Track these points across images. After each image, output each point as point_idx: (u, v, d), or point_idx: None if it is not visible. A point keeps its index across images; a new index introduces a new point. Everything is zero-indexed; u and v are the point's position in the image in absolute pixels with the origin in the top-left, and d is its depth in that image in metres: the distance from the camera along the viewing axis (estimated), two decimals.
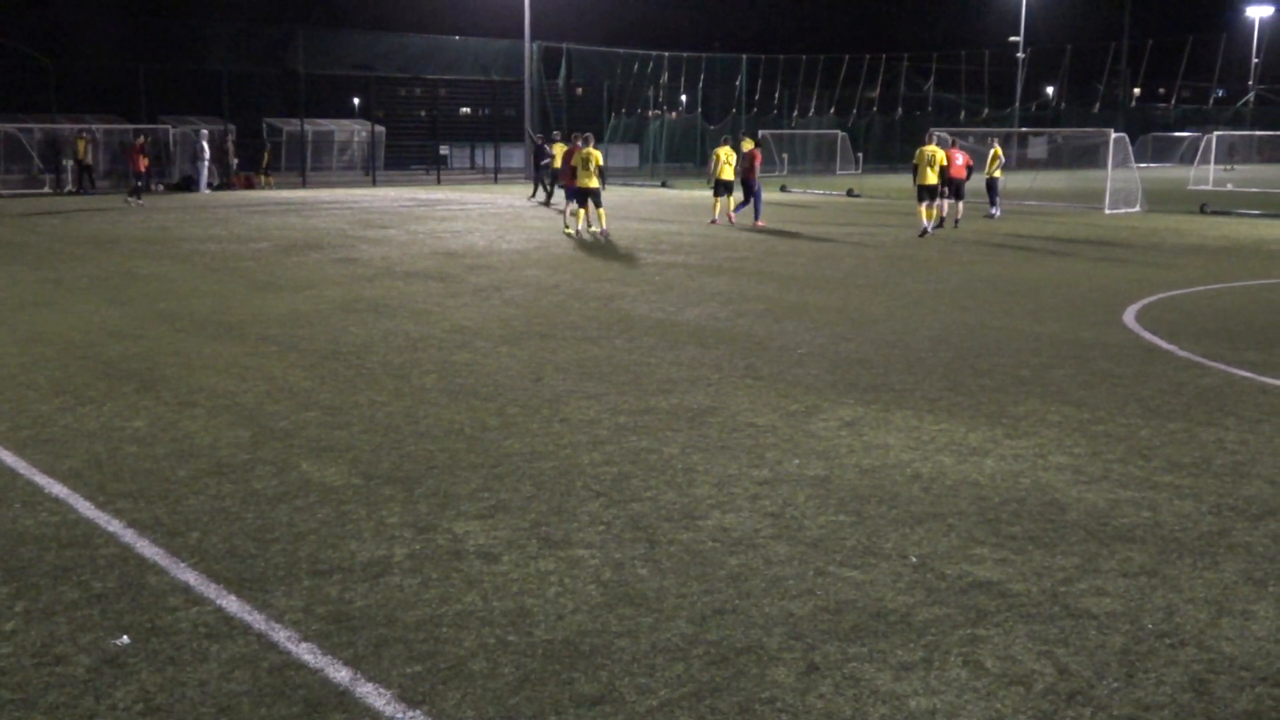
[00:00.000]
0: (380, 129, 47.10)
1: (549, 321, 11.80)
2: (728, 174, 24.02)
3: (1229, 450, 7.06)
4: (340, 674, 4.11)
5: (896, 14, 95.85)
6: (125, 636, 4.40)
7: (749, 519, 5.77)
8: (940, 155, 21.96)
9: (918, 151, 22.21)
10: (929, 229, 21.92)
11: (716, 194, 24.37)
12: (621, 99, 51.27)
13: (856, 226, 24.13)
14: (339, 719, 3.83)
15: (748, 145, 24.48)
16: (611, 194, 36.55)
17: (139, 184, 30.92)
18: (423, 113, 53.34)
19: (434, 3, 72.02)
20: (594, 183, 20.57)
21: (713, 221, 24.17)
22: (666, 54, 53.87)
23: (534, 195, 32.55)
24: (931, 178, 21.81)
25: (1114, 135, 31.03)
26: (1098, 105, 64.51)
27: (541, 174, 31.86)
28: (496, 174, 46.55)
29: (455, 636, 4.41)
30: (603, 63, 51.65)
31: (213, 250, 18.81)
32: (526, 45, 46.19)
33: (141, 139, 32.29)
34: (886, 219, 25.87)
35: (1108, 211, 28.68)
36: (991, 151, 26.19)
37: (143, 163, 30.87)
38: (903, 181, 41.90)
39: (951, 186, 23.19)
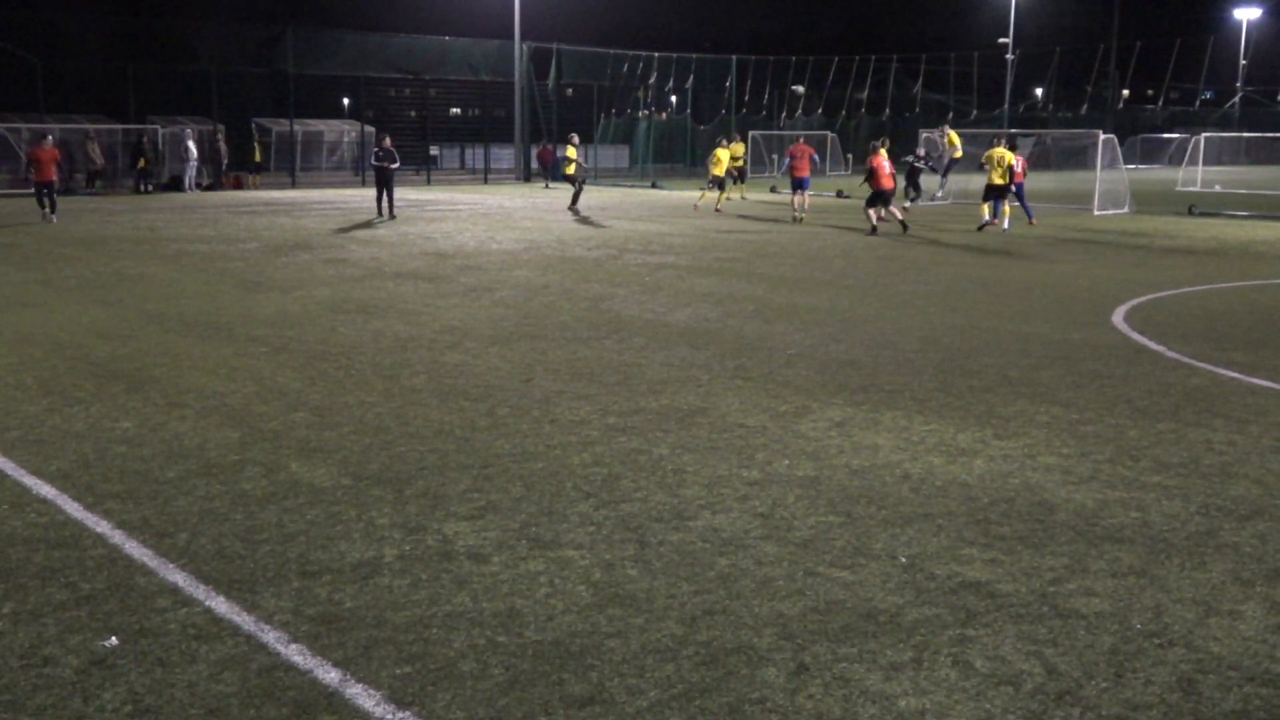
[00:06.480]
0: (370, 129, 46.97)
1: (539, 322, 11.80)
2: (720, 170, 28.03)
3: (1217, 451, 7.09)
4: (330, 675, 4.10)
5: (885, 15, 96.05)
6: (114, 638, 4.38)
7: (739, 520, 5.77)
8: (1008, 157, 23.13)
9: (985, 155, 23.63)
10: (989, 223, 23.41)
11: (720, 188, 27.95)
12: (611, 100, 51.25)
13: (846, 227, 24.15)
14: None
15: (862, 155, 27.77)
16: (602, 194, 36.51)
17: (45, 193, 23.98)
18: (412, 113, 53.23)
19: (423, 3, 71.97)
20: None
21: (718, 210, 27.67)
22: (656, 54, 53.82)
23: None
24: (997, 178, 23.14)
25: (1102, 136, 31.08)
26: (1086, 107, 64.70)
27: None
28: (486, 174, 46.51)
29: (445, 637, 4.41)
30: (593, 63, 51.58)
31: (201, 250, 18.76)
32: (516, 46, 46.16)
33: (49, 139, 25.52)
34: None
35: (1096, 213, 28.75)
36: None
37: (50, 169, 24.07)
38: None
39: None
